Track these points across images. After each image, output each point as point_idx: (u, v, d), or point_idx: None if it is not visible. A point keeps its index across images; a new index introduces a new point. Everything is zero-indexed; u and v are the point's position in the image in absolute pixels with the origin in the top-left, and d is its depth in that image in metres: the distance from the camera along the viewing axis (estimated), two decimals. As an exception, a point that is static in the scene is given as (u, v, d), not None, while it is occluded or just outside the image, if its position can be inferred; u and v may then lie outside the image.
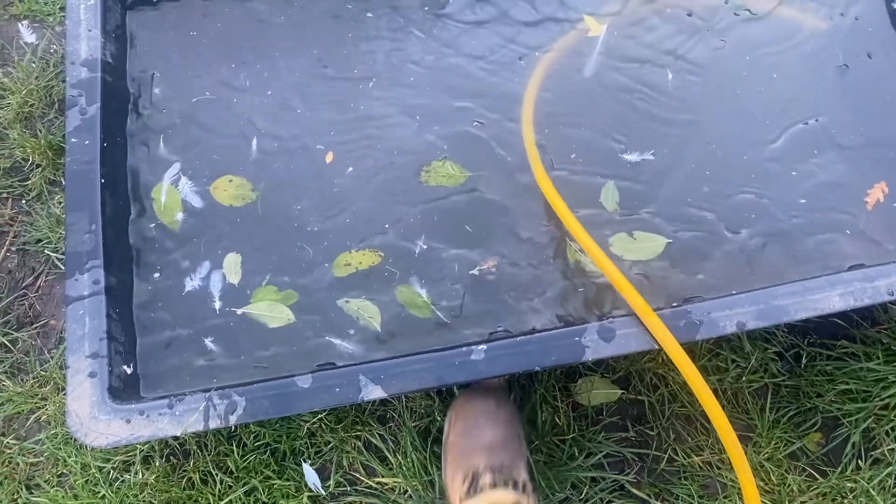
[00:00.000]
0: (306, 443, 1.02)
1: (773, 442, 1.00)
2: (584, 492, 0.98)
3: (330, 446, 1.01)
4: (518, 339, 0.83)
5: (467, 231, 0.95)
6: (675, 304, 0.86)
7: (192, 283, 0.92)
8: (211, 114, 1.02)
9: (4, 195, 1.16)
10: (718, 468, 1.00)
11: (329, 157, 0.99)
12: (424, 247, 0.94)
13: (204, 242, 0.95)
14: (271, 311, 0.91)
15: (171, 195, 0.97)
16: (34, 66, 1.23)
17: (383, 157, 1.00)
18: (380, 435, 1.02)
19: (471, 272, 0.92)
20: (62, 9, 1.27)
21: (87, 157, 0.91)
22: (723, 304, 0.84)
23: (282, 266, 0.94)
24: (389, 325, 0.90)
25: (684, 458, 1.01)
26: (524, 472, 0.90)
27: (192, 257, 0.94)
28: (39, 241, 1.13)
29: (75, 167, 0.90)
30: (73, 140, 0.91)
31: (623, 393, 1.03)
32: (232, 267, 0.93)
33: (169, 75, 1.04)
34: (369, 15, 1.07)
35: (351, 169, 0.99)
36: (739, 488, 0.95)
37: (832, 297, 0.84)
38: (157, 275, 0.93)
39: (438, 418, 1.01)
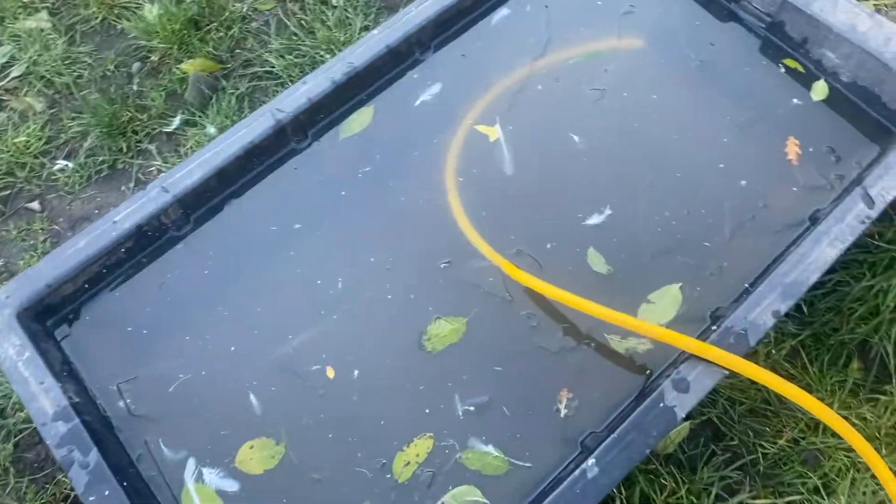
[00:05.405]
0: None
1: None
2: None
3: None
4: (616, 433, 0.84)
5: (498, 371, 0.95)
6: (713, 328, 0.91)
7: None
8: (194, 393, 0.96)
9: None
10: (802, 438, 1.05)
11: (330, 373, 0.97)
12: (470, 408, 0.93)
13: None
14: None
15: (203, 493, 0.90)
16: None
17: (380, 346, 0.98)
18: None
19: (554, 411, 0.92)
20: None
21: (116, 508, 0.83)
22: (750, 304, 0.90)
23: (358, 496, 0.89)
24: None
25: (773, 448, 1.05)
26: None
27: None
28: None
29: (111, 526, 0.82)
30: (91, 499, 0.83)
31: (690, 423, 1.07)
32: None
33: (132, 378, 0.97)
34: (297, 226, 1.07)
35: (357, 372, 0.97)
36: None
37: (824, 249, 0.92)
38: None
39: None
